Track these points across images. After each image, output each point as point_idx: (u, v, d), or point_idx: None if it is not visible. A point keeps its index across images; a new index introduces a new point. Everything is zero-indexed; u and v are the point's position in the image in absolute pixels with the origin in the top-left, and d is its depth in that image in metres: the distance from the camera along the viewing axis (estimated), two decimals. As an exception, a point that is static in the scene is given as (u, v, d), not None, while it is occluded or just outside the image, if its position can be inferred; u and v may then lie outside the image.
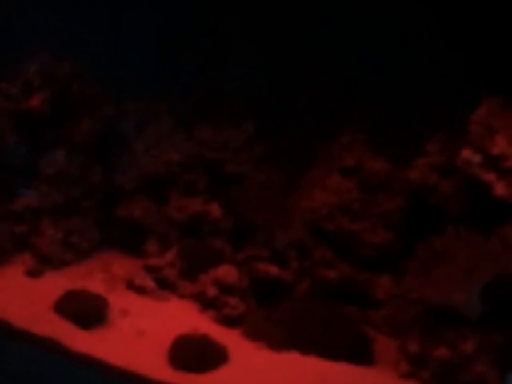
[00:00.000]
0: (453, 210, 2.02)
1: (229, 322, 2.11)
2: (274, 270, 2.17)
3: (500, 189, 1.88)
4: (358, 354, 1.97)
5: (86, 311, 2.07)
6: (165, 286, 2.26)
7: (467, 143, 1.93)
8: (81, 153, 2.44)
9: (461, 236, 1.86)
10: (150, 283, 2.25)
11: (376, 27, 2.29)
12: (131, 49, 2.67)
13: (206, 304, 2.16)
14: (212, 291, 2.14)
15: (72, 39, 2.65)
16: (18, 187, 2.45)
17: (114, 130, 2.47)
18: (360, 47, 2.34)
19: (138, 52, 2.67)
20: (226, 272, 2.15)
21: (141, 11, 2.67)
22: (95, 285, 2.26)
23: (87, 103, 2.47)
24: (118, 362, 1.89)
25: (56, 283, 2.26)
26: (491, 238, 1.85)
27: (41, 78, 2.43)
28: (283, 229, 2.21)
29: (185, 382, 1.82)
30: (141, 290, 2.24)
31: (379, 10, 2.26)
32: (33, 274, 2.31)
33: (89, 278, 2.32)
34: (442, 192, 2.06)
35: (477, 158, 1.90)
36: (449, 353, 1.81)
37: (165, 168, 2.41)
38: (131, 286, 2.27)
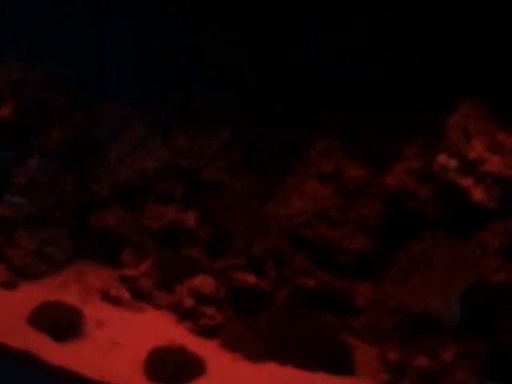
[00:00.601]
0: (431, 216, 2.01)
1: (206, 332, 2.08)
2: (251, 278, 2.13)
3: (477, 194, 1.87)
4: (338, 363, 1.94)
5: (61, 323, 2.04)
6: (141, 296, 2.23)
7: (443, 148, 1.92)
8: (53, 161, 2.41)
9: (439, 242, 1.83)
10: (126, 294, 2.21)
11: (351, 34, 2.27)
12: (105, 55, 2.63)
13: (183, 315, 2.12)
14: (189, 302, 2.11)
15: (43, 46, 2.60)
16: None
17: (87, 137, 2.43)
18: (335, 53, 2.31)
19: (112, 59, 2.63)
20: (203, 282, 2.12)
21: (115, 18, 2.64)
22: (70, 296, 2.23)
23: (59, 111, 2.43)
24: (94, 374, 1.86)
25: (31, 295, 2.23)
26: (469, 244, 1.84)
27: (11, 86, 2.39)
28: (261, 237, 2.18)
29: (161, 394, 1.79)
30: (116, 301, 2.21)
31: (353, 17, 2.25)
32: (7, 285, 2.28)
33: (64, 289, 2.29)
34: (419, 197, 2.04)
35: (453, 163, 1.89)
36: (428, 361, 1.79)
37: (140, 176, 2.38)
38: (107, 297, 2.23)
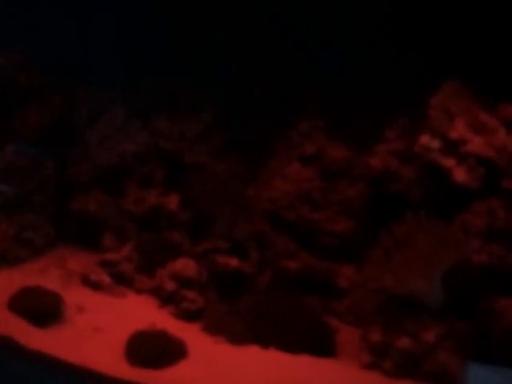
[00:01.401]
0: (413, 197, 2.00)
1: (188, 316, 2.06)
2: (233, 262, 2.12)
3: (460, 174, 1.87)
4: (320, 345, 1.93)
5: (41, 308, 2.01)
6: (122, 280, 2.20)
7: (426, 128, 1.91)
8: (31, 145, 2.37)
9: (421, 223, 1.83)
10: (106, 278, 2.19)
11: (330, 18, 2.25)
12: (83, 37, 2.58)
13: (164, 299, 2.11)
14: (170, 285, 2.09)
15: (20, 28, 2.55)
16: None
17: (66, 121, 2.40)
18: (317, 34, 2.29)
19: (93, 42, 2.58)
20: (185, 265, 2.10)
21: (96, 1, 2.59)
22: (51, 281, 2.20)
23: (36, 94, 2.39)
24: (74, 359, 1.83)
25: (10, 280, 2.19)
26: (452, 225, 1.84)
27: (-15, 68, 2.35)
28: (243, 220, 2.16)
29: (142, 377, 1.77)
30: (97, 286, 2.19)
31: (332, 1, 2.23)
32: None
33: (44, 274, 2.26)
34: (402, 178, 2.04)
35: (435, 144, 1.88)
36: (411, 342, 1.79)
37: (120, 159, 2.35)
38: (87, 281, 2.20)
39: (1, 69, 2.37)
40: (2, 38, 2.42)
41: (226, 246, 2.15)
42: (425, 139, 1.89)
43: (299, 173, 2.20)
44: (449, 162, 1.87)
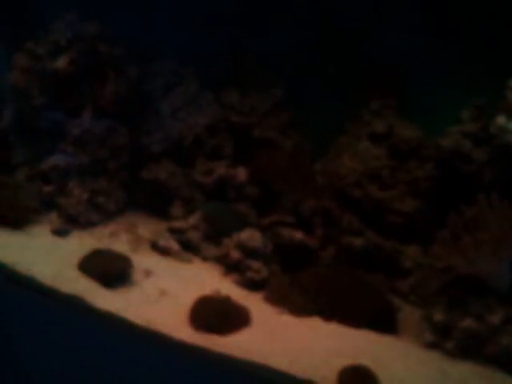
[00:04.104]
0: (485, 179, 1.97)
1: (251, 285, 2.10)
2: (298, 235, 2.14)
3: (535, 158, 1.83)
4: (382, 322, 1.94)
5: (110, 270, 2.08)
6: (188, 248, 2.26)
7: (502, 109, 1.87)
8: (107, 114, 2.44)
9: (492, 205, 1.80)
10: (174, 245, 2.25)
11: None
12: (158, 11, 2.63)
13: (229, 267, 2.15)
14: (235, 255, 2.13)
15: (98, 1, 2.60)
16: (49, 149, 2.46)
17: (141, 92, 2.45)
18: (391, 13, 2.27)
19: (165, 14, 2.62)
20: (250, 236, 2.13)
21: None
22: (120, 245, 2.28)
23: (113, 64, 2.45)
24: (141, 320, 1.89)
25: (81, 243, 2.29)
26: (523, 209, 1.80)
27: (67, 38, 2.42)
28: (309, 195, 2.18)
29: (206, 341, 1.81)
30: (165, 252, 2.25)
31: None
32: (59, 233, 2.33)
33: (114, 238, 2.34)
34: (474, 160, 2.01)
35: (512, 125, 1.85)
36: (474, 324, 1.77)
37: (191, 131, 2.40)
38: (155, 247, 2.27)
39: (81, 39, 2.44)
40: (81, 9, 2.49)
41: (292, 220, 2.17)
42: (501, 120, 1.85)
43: (368, 151, 2.19)
44: (524, 145, 1.84)
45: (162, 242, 2.26)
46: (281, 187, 2.22)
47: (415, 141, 2.17)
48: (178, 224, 2.29)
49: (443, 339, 1.83)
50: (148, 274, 2.13)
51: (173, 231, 2.28)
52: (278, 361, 1.74)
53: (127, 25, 2.58)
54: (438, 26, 2.20)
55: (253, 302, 2.01)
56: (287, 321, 1.95)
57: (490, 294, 1.80)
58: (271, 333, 1.88)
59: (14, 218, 2.30)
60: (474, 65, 2.15)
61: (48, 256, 2.18)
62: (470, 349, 1.79)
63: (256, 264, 2.10)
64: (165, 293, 2.04)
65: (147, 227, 2.41)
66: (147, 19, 2.66)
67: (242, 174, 2.31)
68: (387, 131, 2.19)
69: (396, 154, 2.17)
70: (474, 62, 2.15)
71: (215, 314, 1.90)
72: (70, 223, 2.37)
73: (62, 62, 2.43)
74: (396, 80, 2.27)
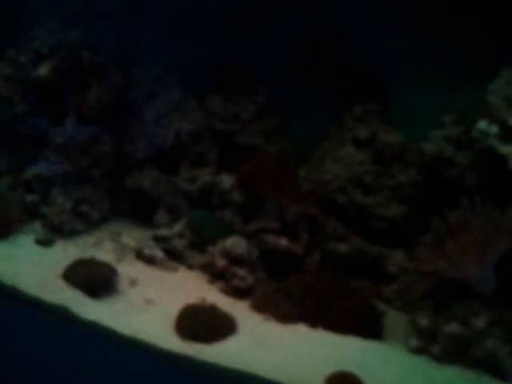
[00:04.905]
0: (468, 183, 1.98)
1: (237, 293, 2.09)
2: (283, 242, 2.13)
3: (517, 161, 1.84)
4: (368, 328, 1.94)
5: (95, 280, 2.07)
6: (174, 256, 2.25)
7: (484, 114, 1.88)
8: (90, 122, 2.43)
9: (475, 209, 1.81)
10: (159, 253, 2.24)
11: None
12: (142, 18, 2.62)
13: (215, 275, 2.14)
14: (221, 262, 2.12)
15: (81, 7, 2.60)
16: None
17: (124, 99, 2.45)
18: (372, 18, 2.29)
19: (149, 21, 2.62)
20: (235, 243, 2.13)
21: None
22: (105, 254, 2.28)
23: (96, 72, 2.45)
24: (126, 330, 1.89)
25: (66, 252, 2.28)
26: (506, 211, 1.81)
27: (49, 46, 2.42)
28: (294, 201, 2.18)
29: (191, 350, 1.81)
30: (149, 260, 2.24)
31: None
32: (43, 242, 2.32)
33: (99, 247, 2.34)
34: (457, 164, 2.02)
35: (493, 130, 1.85)
36: (460, 328, 1.78)
37: (175, 138, 2.39)
38: (140, 255, 2.26)
39: (64, 46, 2.43)
40: (63, 17, 2.47)
41: (277, 227, 2.16)
42: (483, 124, 1.86)
43: (352, 156, 2.19)
44: (506, 149, 1.84)
45: (146, 251, 2.25)
46: (266, 193, 2.21)
47: (399, 146, 2.17)
48: (162, 232, 2.28)
49: (429, 344, 1.83)
50: (133, 283, 2.12)
51: (157, 239, 2.27)
52: (264, 369, 1.73)
53: (110, 31, 2.58)
54: (422, 31, 2.21)
55: (239, 310, 2.01)
56: (273, 328, 1.95)
57: (475, 297, 1.81)
58: (257, 340, 1.88)
59: (-3, 228, 2.29)
60: (457, 69, 2.16)
61: (32, 266, 2.17)
62: (455, 353, 1.80)
63: (241, 271, 2.10)
64: (150, 302, 2.03)
65: (132, 235, 2.40)
66: (131, 26, 2.65)
67: (226, 180, 2.31)
68: (371, 136, 2.19)
69: (380, 159, 2.18)
70: (457, 66, 2.17)
71: (201, 323, 1.89)
72: (53, 232, 2.36)
73: (43, 70, 2.42)
74: (379, 85, 2.29)
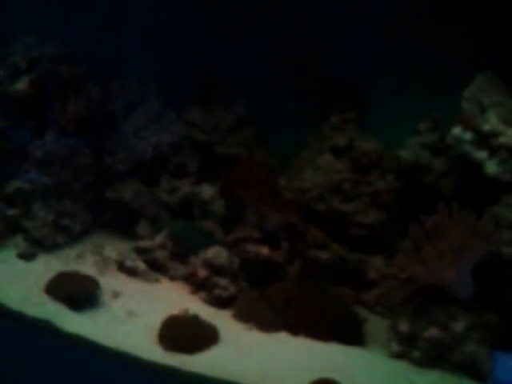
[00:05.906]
0: (444, 189, 2.01)
1: (220, 303, 2.10)
2: (264, 250, 2.15)
3: (491, 167, 1.87)
4: (349, 334, 1.96)
5: (78, 293, 2.06)
6: (156, 267, 2.26)
7: (458, 120, 1.91)
8: (70, 135, 2.43)
9: (452, 214, 1.83)
10: (141, 265, 2.25)
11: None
12: (120, 31, 2.63)
13: (197, 285, 2.15)
14: (202, 273, 2.13)
15: (58, 20, 2.60)
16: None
17: (104, 111, 2.45)
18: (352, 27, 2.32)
19: (128, 35, 2.63)
20: (217, 253, 2.14)
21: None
22: (87, 267, 2.27)
23: (75, 85, 2.45)
24: (109, 342, 1.89)
25: (48, 266, 2.27)
26: (483, 217, 1.83)
27: (27, 60, 2.42)
28: (275, 210, 2.19)
29: (174, 361, 1.81)
30: (132, 272, 2.24)
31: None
32: (25, 256, 2.32)
33: (81, 260, 2.33)
34: (433, 171, 2.05)
35: (468, 136, 1.88)
36: (439, 332, 1.81)
37: (155, 150, 2.40)
38: (122, 267, 2.26)
39: (42, 60, 2.44)
40: (41, 30, 2.48)
41: (258, 236, 2.18)
42: (457, 131, 1.89)
43: (330, 164, 2.22)
44: (480, 154, 1.88)
45: (128, 263, 2.25)
46: (247, 201, 2.23)
47: (376, 153, 2.19)
48: (144, 243, 2.29)
49: (410, 349, 1.85)
50: (116, 295, 2.12)
51: (139, 251, 2.28)
52: (248, 378, 1.74)
53: (89, 44, 2.57)
54: (398, 41, 2.24)
55: (221, 320, 2.02)
56: (256, 337, 1.96)
57: (454, 302, 1.83)
58: (240, 350, 1.89)
59: (-21, 243, 2.29)
60: (432, 77, 2.20)
61: (14, 280, 2.16)
62: (436, 357, 1.82)
63: (223, 281, 2.11)
64: (133, 314, 2.03)
65: (114, 248, 2.40)
66: (110, 38, 2.65)
67: (206, 191, 2.32)
68: (348, 144, 2.22)
69: (358, 166, 2.20)
70: (432, 74, 2.20)
71: (184, 334, 1.90)
72: (35, 246, 2.35)
73: (22, 84, 2.43)
74: (356, 93, 2.32)
